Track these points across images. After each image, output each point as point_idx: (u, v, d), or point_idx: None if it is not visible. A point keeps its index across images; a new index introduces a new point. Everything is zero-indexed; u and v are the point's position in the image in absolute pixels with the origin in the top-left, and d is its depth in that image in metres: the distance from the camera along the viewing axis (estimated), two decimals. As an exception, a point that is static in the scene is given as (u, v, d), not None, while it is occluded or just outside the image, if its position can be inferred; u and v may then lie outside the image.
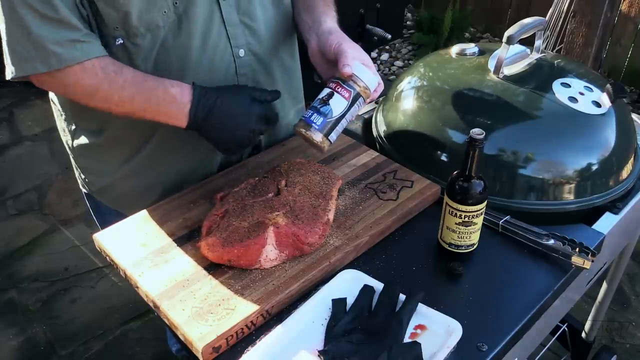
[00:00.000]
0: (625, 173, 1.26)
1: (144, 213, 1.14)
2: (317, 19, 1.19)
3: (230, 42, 1.17)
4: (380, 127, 1.40)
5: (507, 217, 1.13)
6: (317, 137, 1.05)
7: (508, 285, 1.03)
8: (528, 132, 1.20)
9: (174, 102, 1.06)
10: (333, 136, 1.07)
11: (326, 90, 1.07)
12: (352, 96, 1.05)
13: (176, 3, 1.06)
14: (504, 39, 1.26)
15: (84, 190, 1.37)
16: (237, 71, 1.20)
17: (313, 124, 1.05)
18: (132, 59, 1.09)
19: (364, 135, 1.46)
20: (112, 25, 1.05)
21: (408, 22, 4.35)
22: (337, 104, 1.05)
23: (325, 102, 1.05)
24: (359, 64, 1.07)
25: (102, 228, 1.35)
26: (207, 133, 1.10)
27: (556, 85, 1.24)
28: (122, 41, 1.07)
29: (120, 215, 1.25)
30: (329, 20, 1.19)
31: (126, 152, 1.24)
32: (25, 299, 2.36)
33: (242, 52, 1.19)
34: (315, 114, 1.05)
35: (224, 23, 1.14)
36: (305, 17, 1.23)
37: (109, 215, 1.35)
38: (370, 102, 1.14)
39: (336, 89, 1.06)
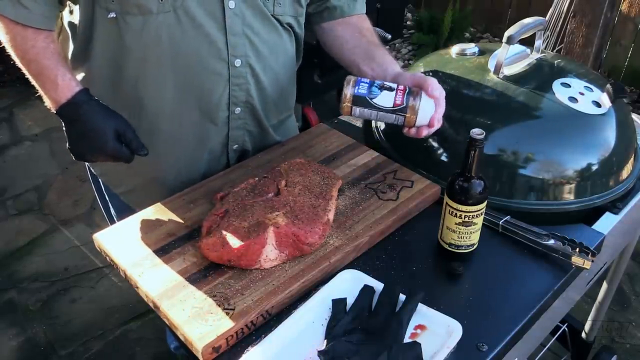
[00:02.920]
0: (625, 173, 1.26)
1: (144, 213, 1.14)
2: (381, 68, 1.20)
3: (228, 49, 1.16)
4: (380, 126, 1.40)
5: (507, 217, 1.13)
6: (348, 96, 1.08)
7: (508, 285, 1.03)
8: (528, 132, 1.20)
9: (54, 89, 1.09)
10: (357, 111, 1.08)
11: (394, 85, 1.09)
12: (399, 106, 1.07)
13: None
14: (504, 39, 1.27)
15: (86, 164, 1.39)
16: (230, 80, 1.20)
17: (357, 88, 1.08)
18: (121, 35, 1.12)
19: (364, 135, 1.46)
20: None
21: (408, 22, 4.35)
22: (386, 97, 1.07)
23: (382, 87, 1.07)
24: (428, 98, 1.07)
25: (102, 205, 1.37)
26: (66, 131, 1.14)
27: (556, 85, 1.24)
28: (114, 15, 1.10)
29: (114, 196, 1.28)
30: (394, 66, 1.20)
31: None
32: (25, 299, 2.35)
33: (238, 62, 1.19)
34: (367, 85, 1.08)
35: (225, 30, 1.14)
36: (364, 68, 1.22)
37: (109, 195, 1.39)
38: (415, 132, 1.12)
39: (398, 89, 1.08)
